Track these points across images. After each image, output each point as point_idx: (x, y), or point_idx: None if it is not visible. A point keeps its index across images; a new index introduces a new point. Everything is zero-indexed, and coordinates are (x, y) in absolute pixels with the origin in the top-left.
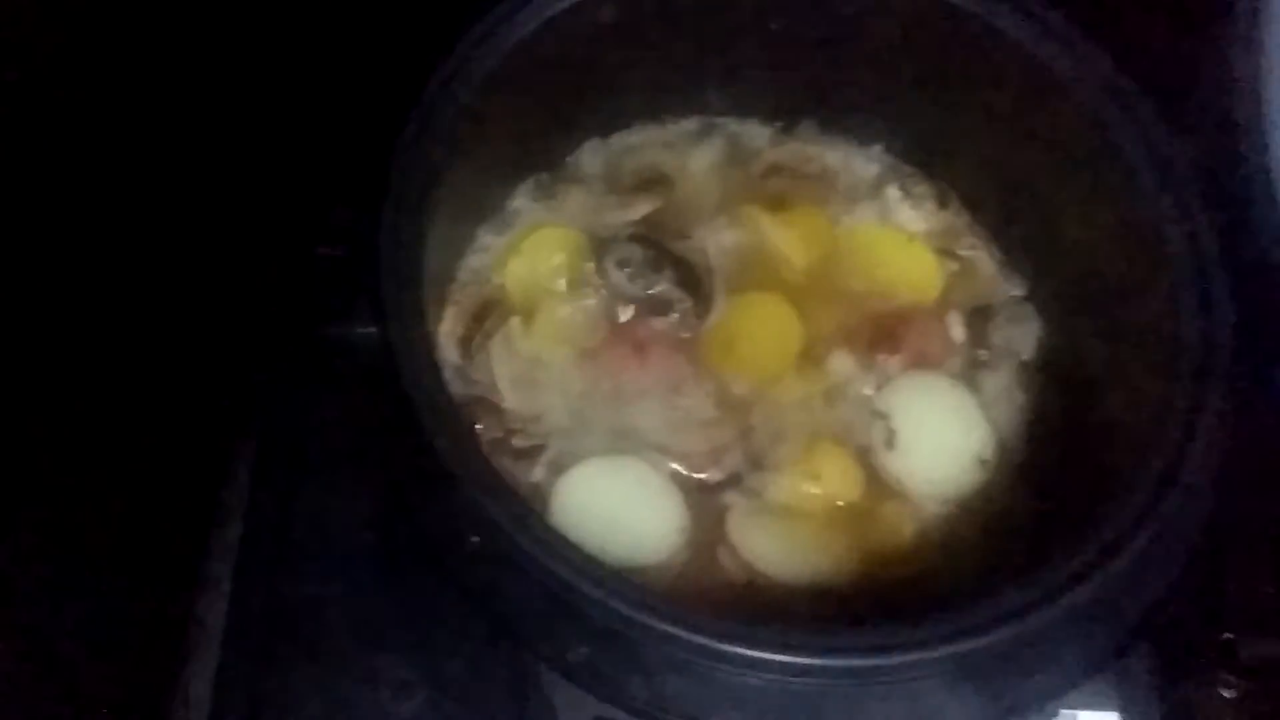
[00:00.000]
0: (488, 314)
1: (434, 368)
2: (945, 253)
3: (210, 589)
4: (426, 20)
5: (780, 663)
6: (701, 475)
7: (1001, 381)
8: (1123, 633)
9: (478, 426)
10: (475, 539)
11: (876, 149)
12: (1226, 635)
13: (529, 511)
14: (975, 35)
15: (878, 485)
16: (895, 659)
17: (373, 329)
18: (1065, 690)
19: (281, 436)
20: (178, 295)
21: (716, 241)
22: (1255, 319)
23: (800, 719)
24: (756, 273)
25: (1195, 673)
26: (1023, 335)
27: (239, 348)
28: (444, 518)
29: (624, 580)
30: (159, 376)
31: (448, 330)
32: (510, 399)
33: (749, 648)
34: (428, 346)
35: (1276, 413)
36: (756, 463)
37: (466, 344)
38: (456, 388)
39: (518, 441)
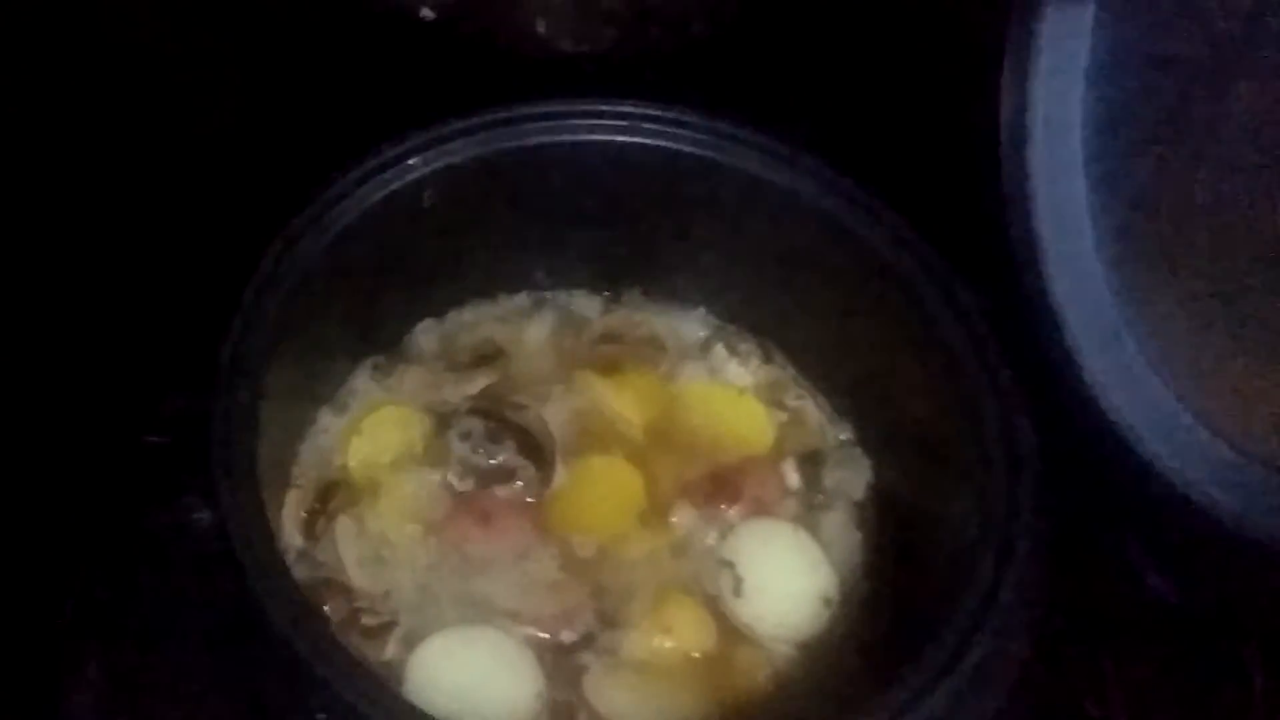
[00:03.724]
0: (331, 495)
1: (273, 550)
2: (775, 404)
3: None
4: (252, 209)
5: None
6: (555, 638)
7: (838, 522)
8: None
9: (325, 608)
10: (323, 717)
11: (700, 311)
12: None
13: (381, 688)
14: (782, 207)
15: (730, 633)
16: None
17: (204, 514)
18: None
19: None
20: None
21: (555, 409)
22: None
23: None
24: (596, 436)
25: None
26: (853, 477)
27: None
28: (293, 701)
29: None
30: None
31: (290, 514)
32: (357, 578)
33: None
34: (265, 531)
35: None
36: (609, 621)
37: (310, 526)
38: (301, 570)
39: (367, 620)
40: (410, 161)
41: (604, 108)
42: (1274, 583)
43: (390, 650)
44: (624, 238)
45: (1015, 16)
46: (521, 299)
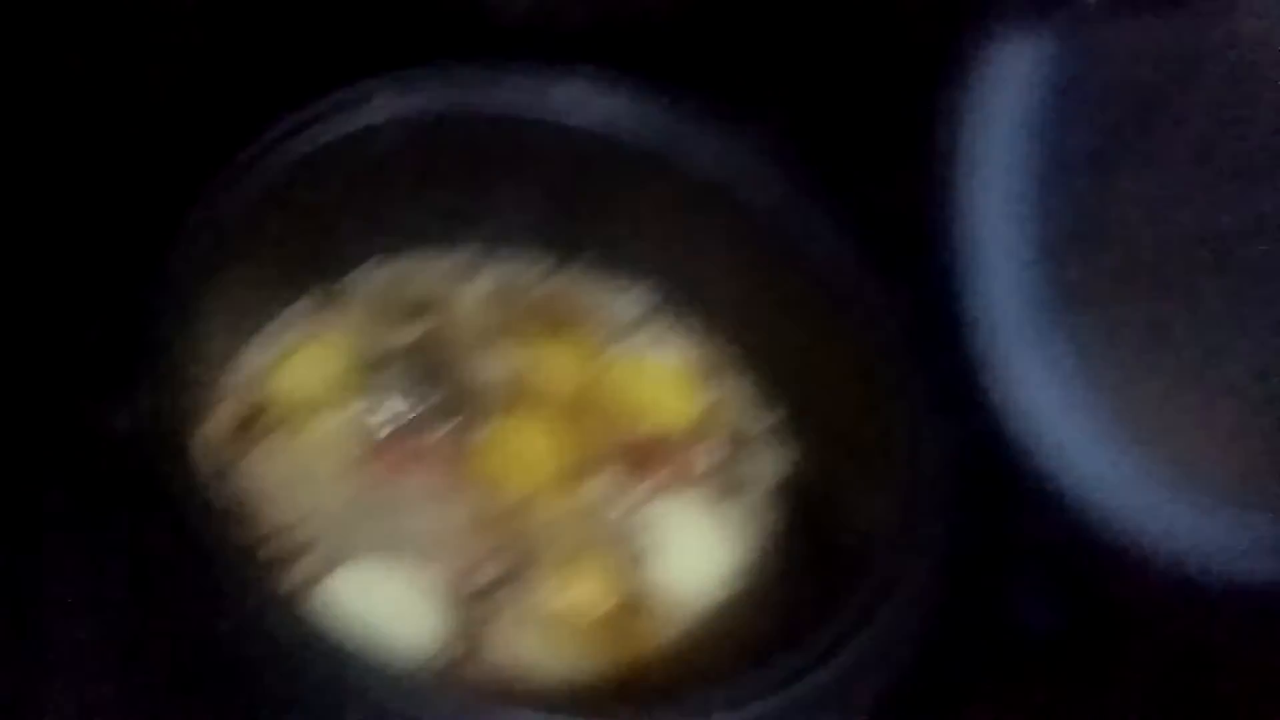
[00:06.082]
0: (255, 419)
1: (189, 458)
2: (700, 385)
3: None
4: (212, 128)
5: None
6: (463, 584)
7: (750, 505)
8: None
9: (238, 528)
10: (226, 623)
11: (638, 290)
12: None
13: (285, 599)
14: (726, 197)
15: (633, 598)
16: None
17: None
18: None
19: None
20: None
21: (486, 365)
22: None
23: None
24: (523, 395)
25: None
26: (770, 463)
27: None
28: (197, 602)
29: (379, 669)
30: None
31: (216, 429)
32: (275, 503)
33: None
34: (186, 437)
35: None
36: (517, 574)
37: (236, 444)
38: (218, 490)
39: (281, 543)
40: (372, 102)
41: (569, 75)
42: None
43: (298, 577)
44: (573, 208)
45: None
46: (465, 254)
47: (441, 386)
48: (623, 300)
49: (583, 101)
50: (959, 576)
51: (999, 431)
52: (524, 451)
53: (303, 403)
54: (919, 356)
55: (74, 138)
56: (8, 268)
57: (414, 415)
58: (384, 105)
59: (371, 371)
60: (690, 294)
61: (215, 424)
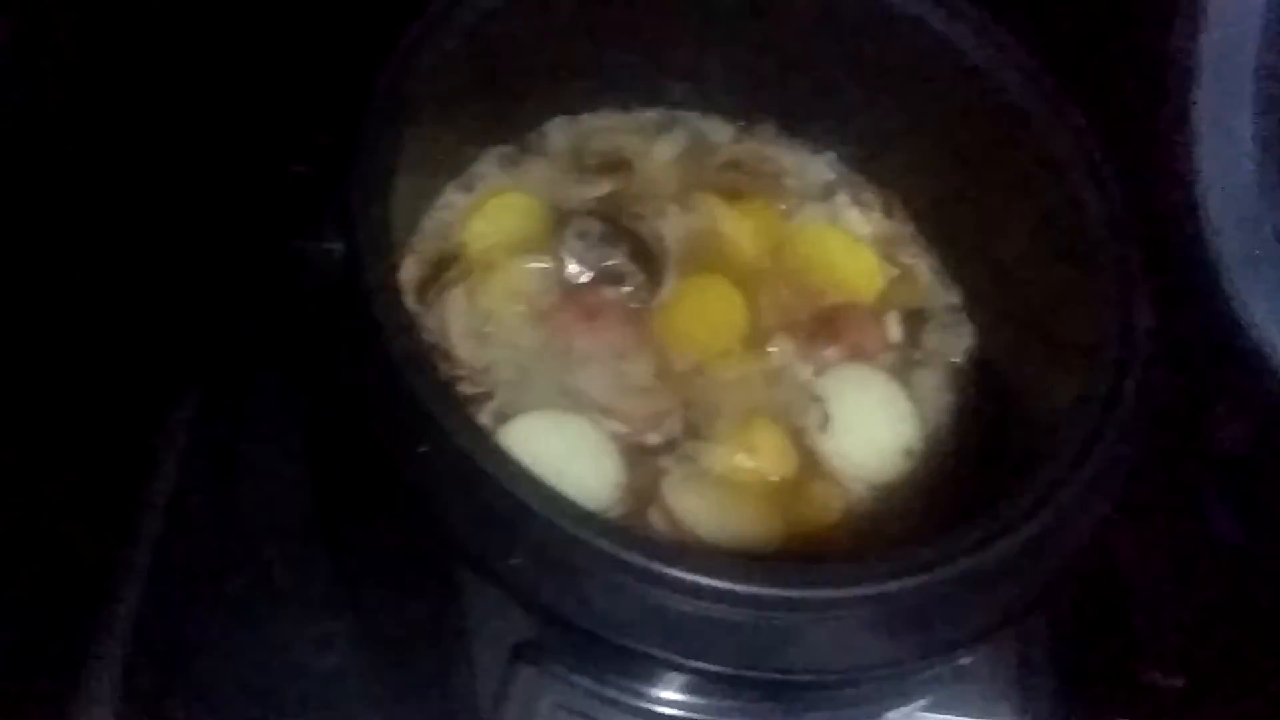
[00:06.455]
0: (446, 267)
1: (395, 275)
2: (887, 258)
3: (139, 537)
4: None
5: (702, 586)
6: (640, 438)
7: (932, 380)
8: (1020, 603)
9: None
10: (424, 448)
11: (830, 155)
12: (1131, 665)
13: (481, 431)
14: (927, 53)
15: (809, 465)
16: (820, 593)
17: (337, 245)
18: (966, 644)
19: (226, 386)
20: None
21: (672, 225)
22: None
23: (728, 645)
24: (707, 257)
25: (1097, 701)
26: (954, 340)
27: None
28: (396, 422)
29: (561, 497)
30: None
31: (406, 277)
32: (461, 348)
33: (685, 571)
34: (392, 256)
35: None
36: (694, 432)
37: (423, 292)
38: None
39: (465, 388)
40: None
41: None
42: None
43: (483, 419)
44: (765, 69)
45: None
46: (655, 113)
47: (627, 243)
48: (812, 167)
49: None
50: (1147, 473)
51: (1214, 330)
52: (707, 312)
53: (491, 253)
54: (1130, 240)
55: None
56: (225, 110)
57: (599, 270)
58: None
59: (559, 226)
60: (881, 164)
61: (409, 269)
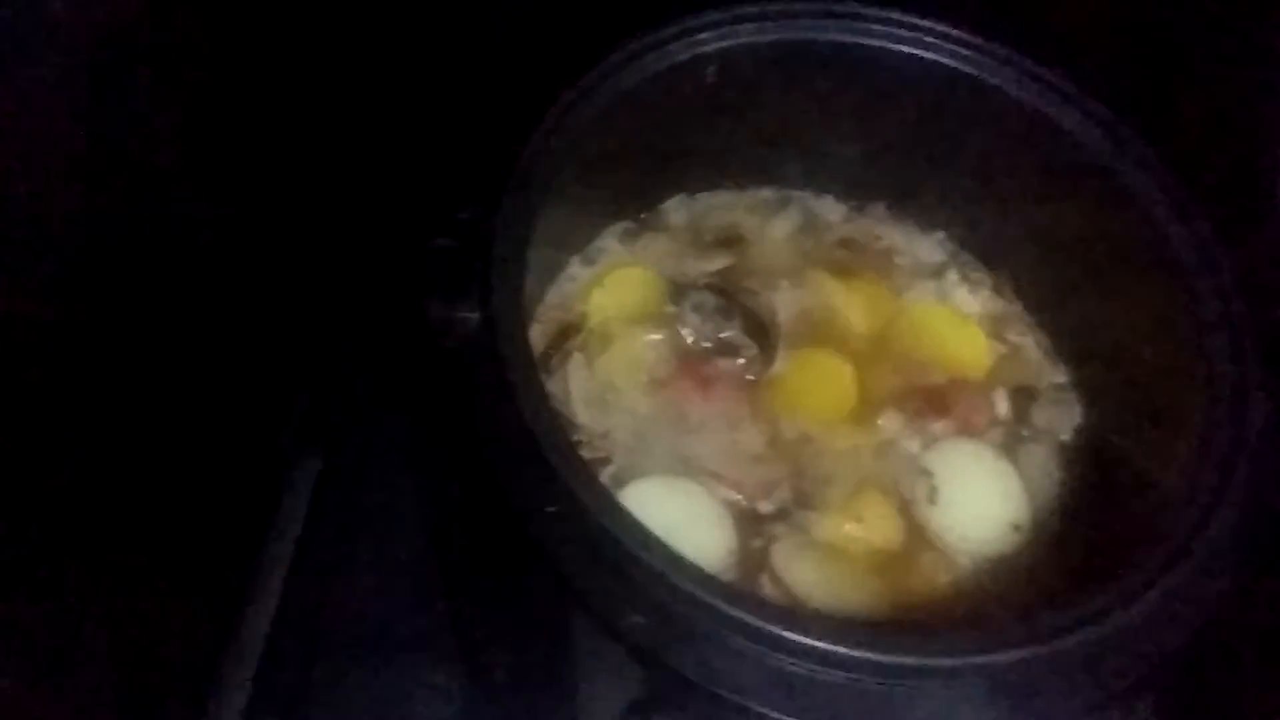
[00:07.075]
0: (569, 336)
1: (528, 344)
2: (996, 336)
3: (261, 589)
4: (551, 57)
5: (821, 650)
6: (752, 505)
7: (1040, 457)
8: (1129, 680)
9: None
10: (553, 508)
11: (940, 235)
12: None
13: (603, 490)
14: (1034, 136)
15: (917, 537)
16: (937, 661)
17: (474, 314)
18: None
19: (348, 442)
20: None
21: (784, 299)
22: None
23: (831, 712)
24: (819, 331)
25: None
26: (1062, 417)
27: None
28: (525, 480)
29: (686, 561)
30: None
31: (532, 344)
32: (581, 414)
33: (809, 636)
34: (525, 324)
35: None
36: (804, 501)
37: (546, 360)
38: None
39: (585, 452)
40: (699, 36)
41: (891, 15)
42: None
43: (603, 482)
44: (878, 151)
45: None
46: (770, 192)
47: (741, 317)
48: (922, 246)
49: (903, 39)
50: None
51: None
52: (818, 384)
53: (611, 323)
54: (1244, 323)
55: (427, 62)
56: (373, 185)
57: (714, 342)
58: (711, 37)
59: (676, 299)
60: (990, 243)
61: (534, 337)
